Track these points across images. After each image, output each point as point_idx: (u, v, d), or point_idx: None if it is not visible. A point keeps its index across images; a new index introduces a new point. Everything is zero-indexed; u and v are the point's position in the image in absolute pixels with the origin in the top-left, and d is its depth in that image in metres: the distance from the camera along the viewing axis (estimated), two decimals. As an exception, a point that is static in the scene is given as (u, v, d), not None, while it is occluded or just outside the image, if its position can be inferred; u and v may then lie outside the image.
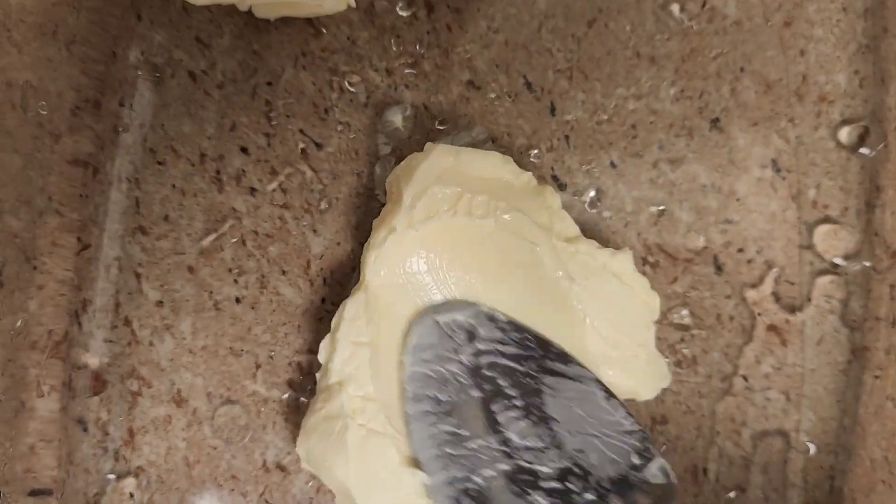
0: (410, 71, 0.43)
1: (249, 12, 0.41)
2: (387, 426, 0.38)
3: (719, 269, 0.43)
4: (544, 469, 0.39)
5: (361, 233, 0.43)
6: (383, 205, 0.41)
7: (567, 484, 0.39)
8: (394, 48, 0.43)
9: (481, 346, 0.40)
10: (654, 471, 0.39)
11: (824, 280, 0.43)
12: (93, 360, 0.40)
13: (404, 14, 0.43)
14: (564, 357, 0.40)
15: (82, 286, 0.40)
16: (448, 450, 0.39)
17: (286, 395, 0.42)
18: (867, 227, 0.43)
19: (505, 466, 0.39)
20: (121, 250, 0.41)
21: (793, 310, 0.43)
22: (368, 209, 0.43)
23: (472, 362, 0.40)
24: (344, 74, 0.43)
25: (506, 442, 0.39)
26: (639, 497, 0.39)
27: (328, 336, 0.39)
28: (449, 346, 0.40)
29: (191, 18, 0.42)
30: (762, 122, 0.43)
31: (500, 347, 0.40)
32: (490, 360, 0.40)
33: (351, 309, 0.38)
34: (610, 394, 0.40)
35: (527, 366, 0.40)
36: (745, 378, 0.43)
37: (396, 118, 0.43)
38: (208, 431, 0.41)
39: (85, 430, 0.40)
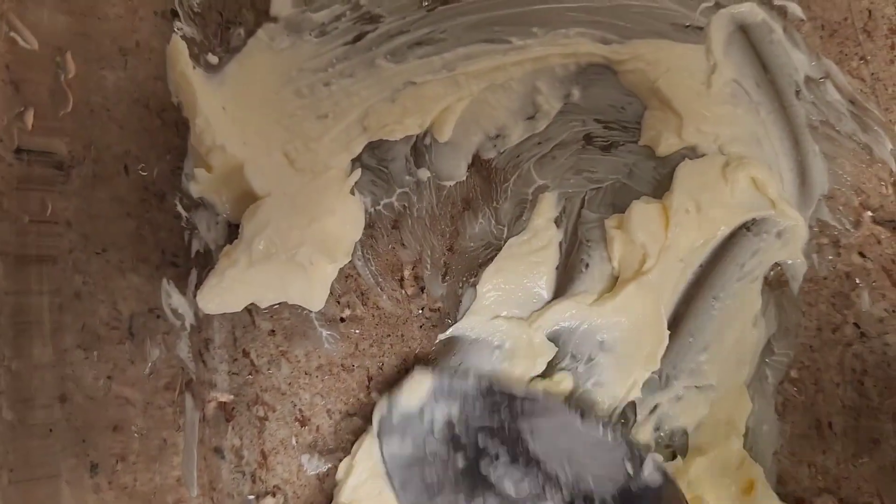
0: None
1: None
2: None
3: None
4: None
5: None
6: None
7: None
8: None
9: (451, 419, 0.41)
10: (651, 472, 0.40)
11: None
12: (220, 393, 0.43)
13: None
14: (532, 397, 0.41)
15: (202, 328, 0.43)
16: None
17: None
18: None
19: None
20: (231, 289, 0.44)
21: None
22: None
23: (447, 435, 0.41)
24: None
25: (505, 498, 0.40)
26: None
27: (347, 458, 0.42)
28: (419, 428, 0.41)
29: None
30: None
31: (469, 411, 0.41)
32: (462, 427, 0.41)
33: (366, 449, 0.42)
34: (583, 414, 0.41)
35: (499, 418, 0.41)
36: (856, 325, 0.42)
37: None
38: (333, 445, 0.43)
39: (222, 457, 0.42)
